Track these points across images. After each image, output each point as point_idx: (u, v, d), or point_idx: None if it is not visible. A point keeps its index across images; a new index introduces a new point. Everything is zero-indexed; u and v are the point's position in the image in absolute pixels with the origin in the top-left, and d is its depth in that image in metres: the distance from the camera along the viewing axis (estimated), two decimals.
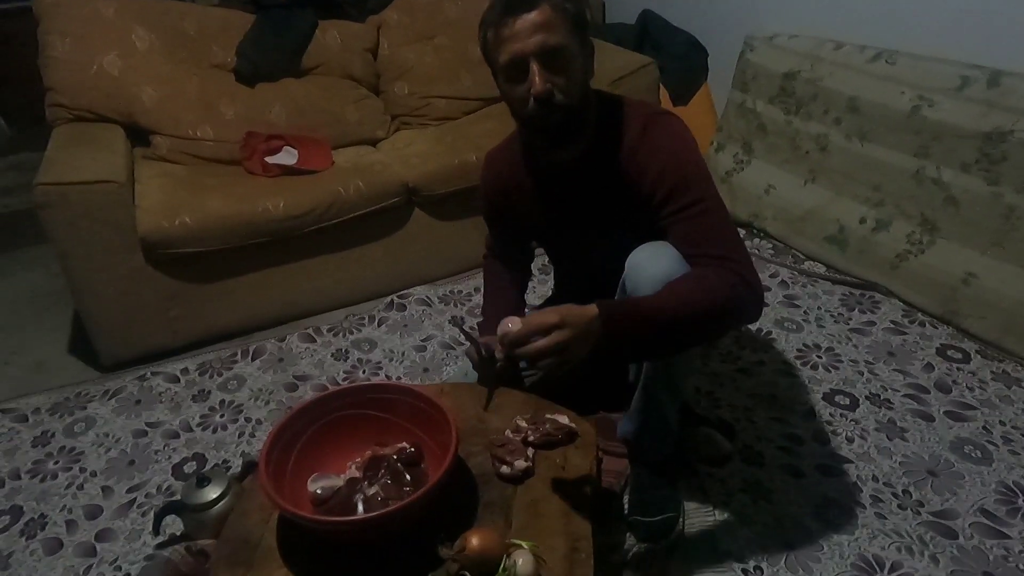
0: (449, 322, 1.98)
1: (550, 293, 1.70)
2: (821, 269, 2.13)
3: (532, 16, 1.04)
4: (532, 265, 1.56)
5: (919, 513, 1.30)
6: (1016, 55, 1.72)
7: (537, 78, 1.05)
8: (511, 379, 1.31)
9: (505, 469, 1.07)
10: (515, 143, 1.31)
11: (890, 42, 2.00)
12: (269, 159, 2.09)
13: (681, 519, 1.28)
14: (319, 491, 1.03)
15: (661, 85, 2.46)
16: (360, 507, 1.01)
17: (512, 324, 0.96)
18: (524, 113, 1.11)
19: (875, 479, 1.38)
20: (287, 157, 2.11)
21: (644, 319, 0.99)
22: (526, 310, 1.51)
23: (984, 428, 1.49)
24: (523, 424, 1.15)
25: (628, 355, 1.19)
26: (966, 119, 1.77)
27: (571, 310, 0.93)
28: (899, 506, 1.32)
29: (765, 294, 2.03)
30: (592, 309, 0.95)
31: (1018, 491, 1.34)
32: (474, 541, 0.90)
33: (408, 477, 1.05)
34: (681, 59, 2.67)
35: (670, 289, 1.01)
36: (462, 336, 1.29)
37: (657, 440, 1.29)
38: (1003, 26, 1.75)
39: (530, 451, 1.10)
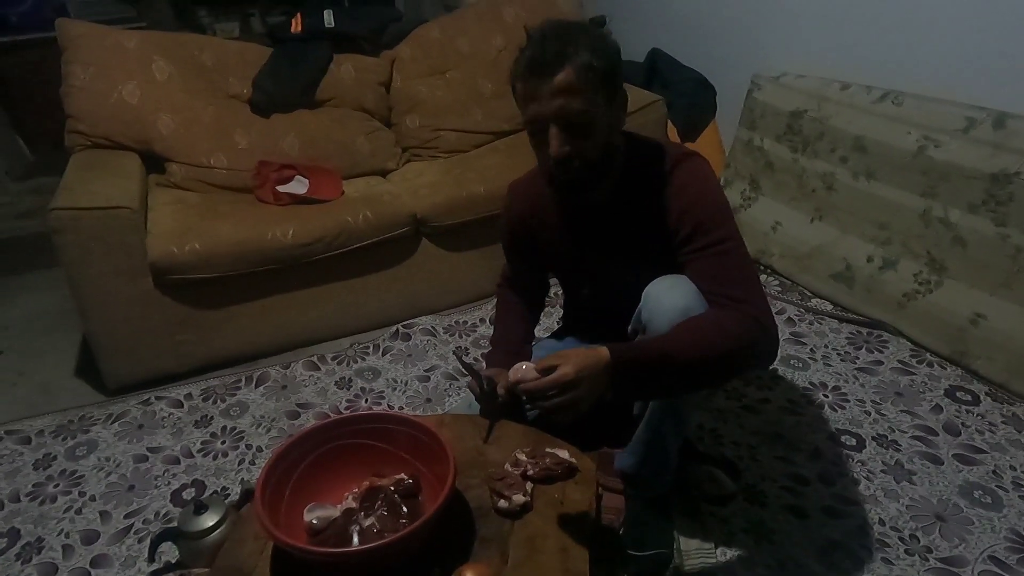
0: (453, 353, 1.98)
1: (556, 326, 1.70)
2: (828, 307, 2.12)
3: (554, 81, 1.01)
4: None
5: (927, 559, 1.27)
6: (1022, 98, 1.73)
7: (554, 142, 1.04)
8: (513, 412, 1.30)
9: (503, 503, 1.05)
10: (540, 176, 1.32)
11: (896, 83, 2.02)
12: (280, 188, 2.12)
13: (676, 556, 1.26)
14: (315, 521, 1.02)
15: (669, 122, 2.48)
16: (355, 538, 1.00)
17: (526, 369, 0.96)
18: (546, 167, 1.11)
19: (882, 522, 1.35)
20: (298, 186, 2.14)
21: (656, 364, 0.98)
22: (533, 343, 1.51)
23: (994, 472, 1.47)
24: (522, 458, 1.13)
25: (637, 398, 1.17)
26: (972, 160, 1.77)
27: (585, 361, 0.93)
28: (906, 551, 1.29)
29: None
30: (604, 356, 0.94)
31: None
32: None
33: (405, 509, 1.04)
34: (689, 96, 2.70)
35: (683, 332, 1.00)
36: (463, 368, 1.28)
37: (656, 474, 1.27)
38: (1009, 69, 1.76)
39: (529, 485, 1.09)
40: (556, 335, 1.57)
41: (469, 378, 1.29)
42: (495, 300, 1.53)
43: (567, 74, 1.01)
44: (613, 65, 1.06)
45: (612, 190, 1.17)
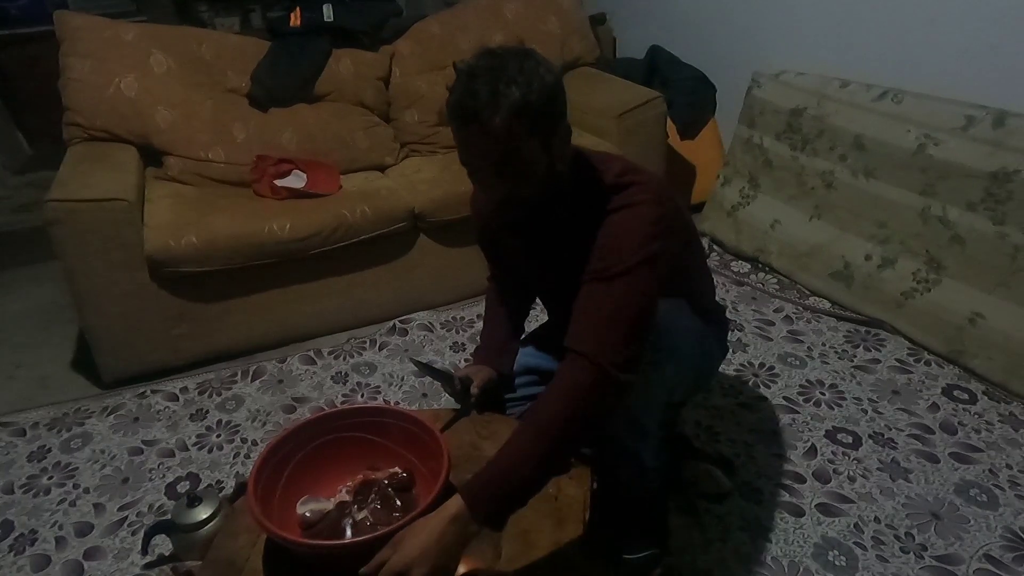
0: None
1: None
2: (826, 305, 2.11)
3: (484, 131, 0.92)
4: None
5: (922, 557, 1.27)
6: (1021, 96, 1.73)
7: (489, 192, 1.01)
8: (492, 407, 1.30)
9: None
10: None
11: (896, 81, 2.02)
12: (278, 182, 2.11)
13: (665, 557, 1.25)
14: (308, 514, 1.02)
15: (669, 119, 2.48)
16: (348, 532, 1.00)
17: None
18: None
19: (877, 520, 1.35)
20: (296, 180, 2.13)
21: (514, 476, 0.92)
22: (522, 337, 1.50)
23: (990, 471, 1.46)
24: None
25: (515, 509, 0.98)
26: (972, 158, 1.77)
27: (423, 535, 0.86)
28: (901, 549, 1.29)
29: (768, 329, 2.01)
30: (451, 509, 0.89)
31: None
32: (462, 570, 0.88)
33: (398, 503, 1.03)
34: (689, 94, 2.69)
35: (528, 428, 0.94)
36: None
37: (636, 480, 1.24)
38: (1009, 67, 1.76)
39: None
40: (523, 341, 1.53)
41: (447, 379, 1.29)
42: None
43: (497, 123, 0.91)
44: (551, 99, 0.96)
45: (562, 210, 1.10)
